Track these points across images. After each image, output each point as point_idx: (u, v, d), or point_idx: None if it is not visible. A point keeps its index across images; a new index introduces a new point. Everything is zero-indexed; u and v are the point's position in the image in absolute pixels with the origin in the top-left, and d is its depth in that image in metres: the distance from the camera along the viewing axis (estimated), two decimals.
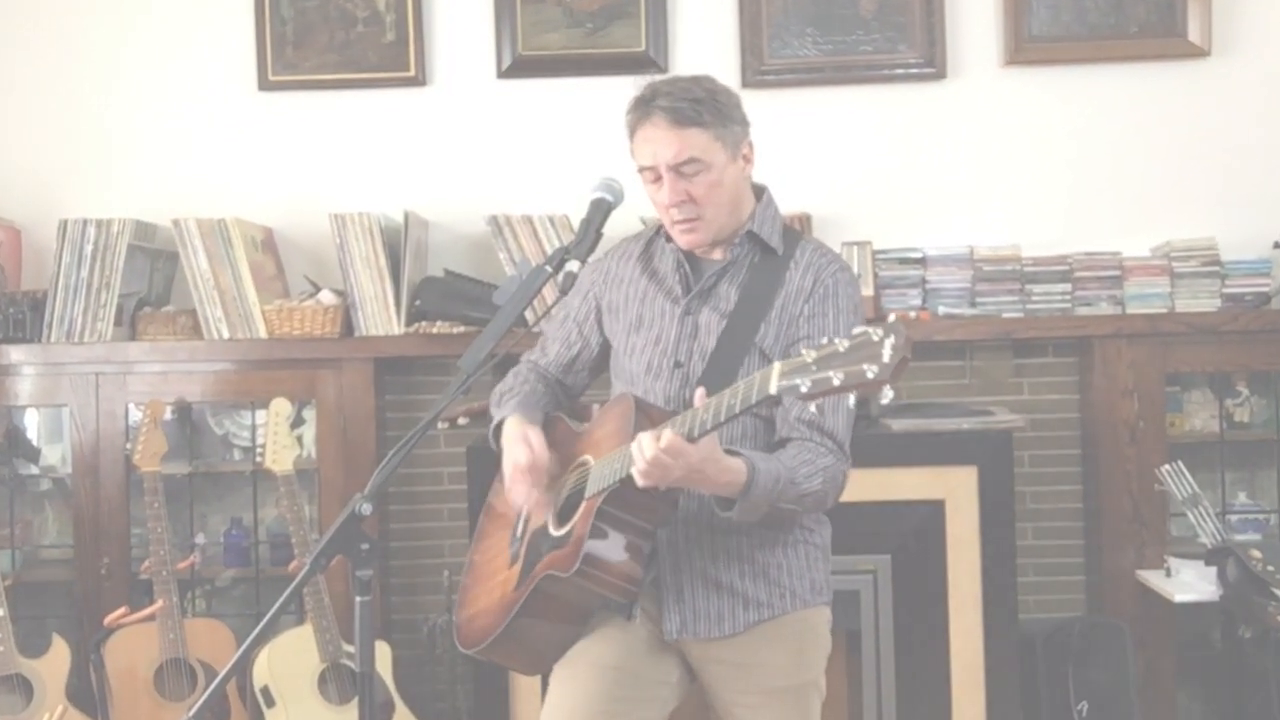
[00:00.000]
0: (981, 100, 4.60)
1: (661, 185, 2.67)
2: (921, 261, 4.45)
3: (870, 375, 2.07)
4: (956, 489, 4.08)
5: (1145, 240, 4.49)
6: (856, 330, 2.11)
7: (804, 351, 2.16)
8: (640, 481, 2.41)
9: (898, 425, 4.15)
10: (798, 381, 2.14)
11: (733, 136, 2.68)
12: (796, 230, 2.83)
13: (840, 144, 4.60)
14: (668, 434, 2.36)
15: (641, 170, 2.70)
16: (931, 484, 4.08)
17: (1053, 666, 4.17)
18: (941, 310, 4.42)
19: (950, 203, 4.59)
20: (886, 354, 2.06)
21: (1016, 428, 4.17)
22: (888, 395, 2.09)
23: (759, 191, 2.80)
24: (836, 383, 2.10)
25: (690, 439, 2.37)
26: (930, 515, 4.07)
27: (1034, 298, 4.42)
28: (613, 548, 2.54)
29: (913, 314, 4.39)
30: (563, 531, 2.61)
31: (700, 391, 2.43)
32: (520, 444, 2.71)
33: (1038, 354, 4.54)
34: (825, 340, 2.14)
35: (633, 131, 2.70)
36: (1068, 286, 4.41)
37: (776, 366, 2.19)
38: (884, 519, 4.04)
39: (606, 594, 2.57)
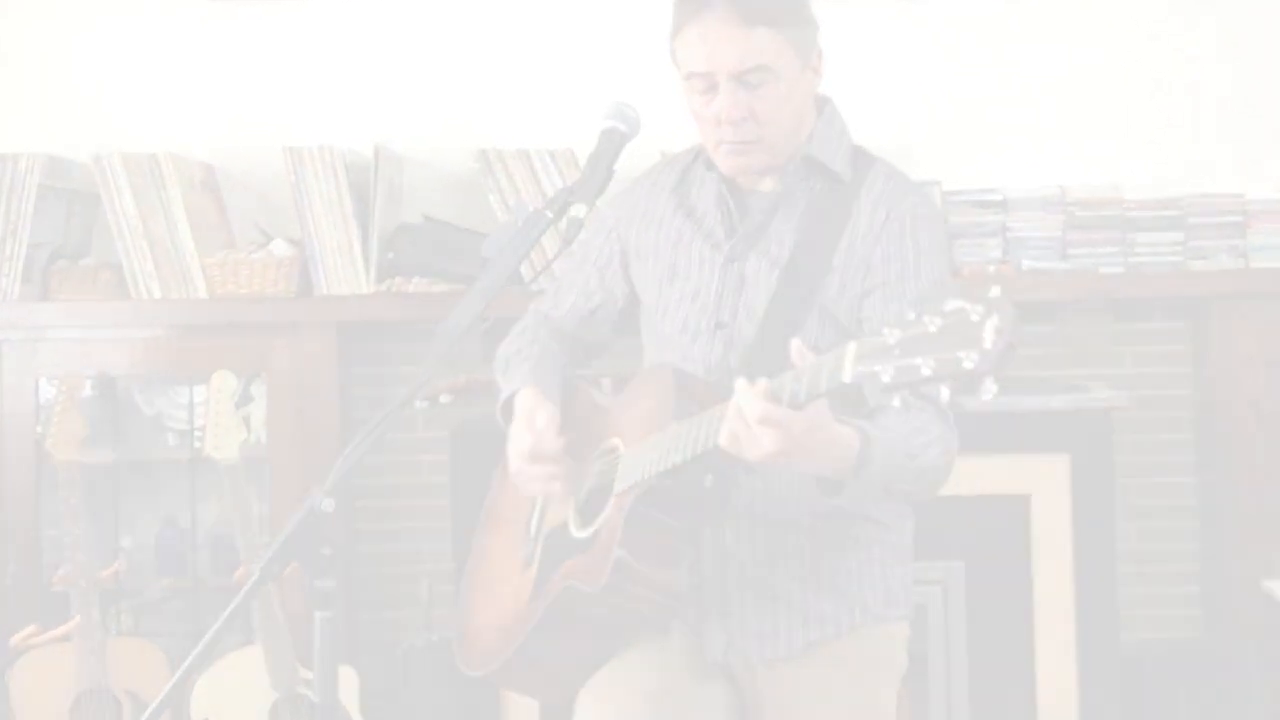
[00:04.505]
0: (1074, 6, 4.57)
1: (713, 97, 2.60)
2: (1002, 205, 4.44)
3: (968, 365, 1.96)
4: (1044, 481, 4.10)
5: (1274, 179, 4.48)
6: (950, 305, 2.00)
7: (885, 331, 2.06)
8: (723, 444, 2.29)
9: (973, 404, 4.12)
10: (878, 368, 2.05)
11: (805, 40, 2.63)
12: (868, 153, 2.76)
13: (902, 62, 4.59)
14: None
15: (690, 77, 2.62)
16: (1014, 475, 4.10)
17: (1162, 697, 4.20)
18: (1026, 264, 4.41)
19: (1036, 133, 4.58)
20: (989, 338, 1.95)
21: (1117, 407, 4.17)
22: (990, 390, 1.98)
23: (820, 104, 2.74)
24: (925, 373, 2.00)
25: (796, 403, 2.24)
26: (1012, 513, 4.09)
27: (1138, 249, 4.41)
28: (648, 555, 2.49)
29: (991, 269, 4.36)
30: (587, 533, 2.59)
31: (796, 343, 2.28)
32: (521, 426, 2.68)
33: (1143, 317, 4.55)
34: (912, 315, 2.04)
35: (681, 28, 2.62)
36: (1180, 235, 4.41)
37: (851, 347, 2.11)
38: (956, 518, 4.01)
39: (640, 608, 2.55)
